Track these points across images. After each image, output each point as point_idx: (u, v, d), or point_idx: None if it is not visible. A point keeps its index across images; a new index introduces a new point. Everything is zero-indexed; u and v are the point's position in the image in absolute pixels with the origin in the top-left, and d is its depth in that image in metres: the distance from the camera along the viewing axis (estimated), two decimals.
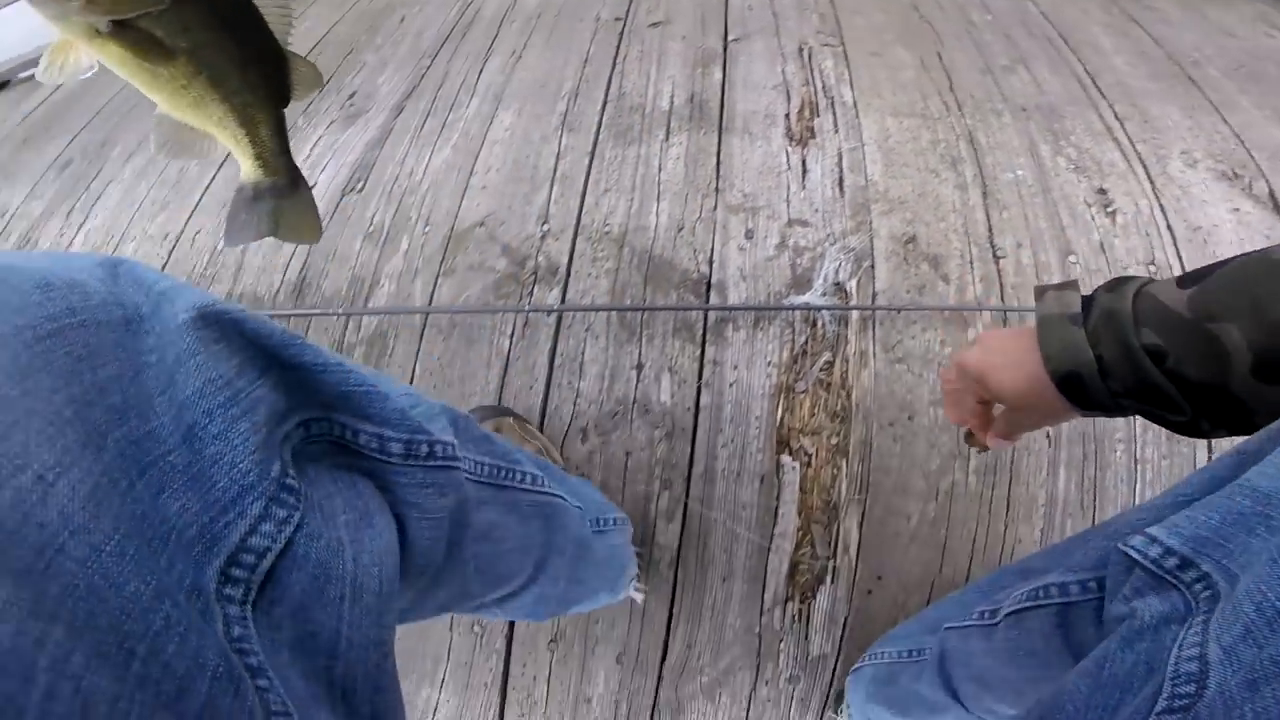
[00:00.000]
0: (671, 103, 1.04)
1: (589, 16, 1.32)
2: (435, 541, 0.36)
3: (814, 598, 0.76)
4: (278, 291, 1.01)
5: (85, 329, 0.22)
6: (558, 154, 1.03)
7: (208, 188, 1.31)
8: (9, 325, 0.20)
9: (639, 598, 0.77)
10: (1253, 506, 0.28)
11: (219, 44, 0.36)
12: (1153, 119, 1.05)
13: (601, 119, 1.06)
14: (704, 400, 0.79)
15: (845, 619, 0.75)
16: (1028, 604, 0.42)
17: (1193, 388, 0.34)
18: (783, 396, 0.78)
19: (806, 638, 0.75)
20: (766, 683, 0.76)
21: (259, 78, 0.39)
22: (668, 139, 0.99)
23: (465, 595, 0.44)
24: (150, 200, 1.40)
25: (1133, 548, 0.31)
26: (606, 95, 1.11)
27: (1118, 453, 0.79)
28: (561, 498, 0.52)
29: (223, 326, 0.27)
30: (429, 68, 1.33)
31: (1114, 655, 0.30)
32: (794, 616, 0.76)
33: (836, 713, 0.73)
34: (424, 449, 0.35)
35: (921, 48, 1.13)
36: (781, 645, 0.76)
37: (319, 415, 0.32)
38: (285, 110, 0.42)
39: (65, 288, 0.22)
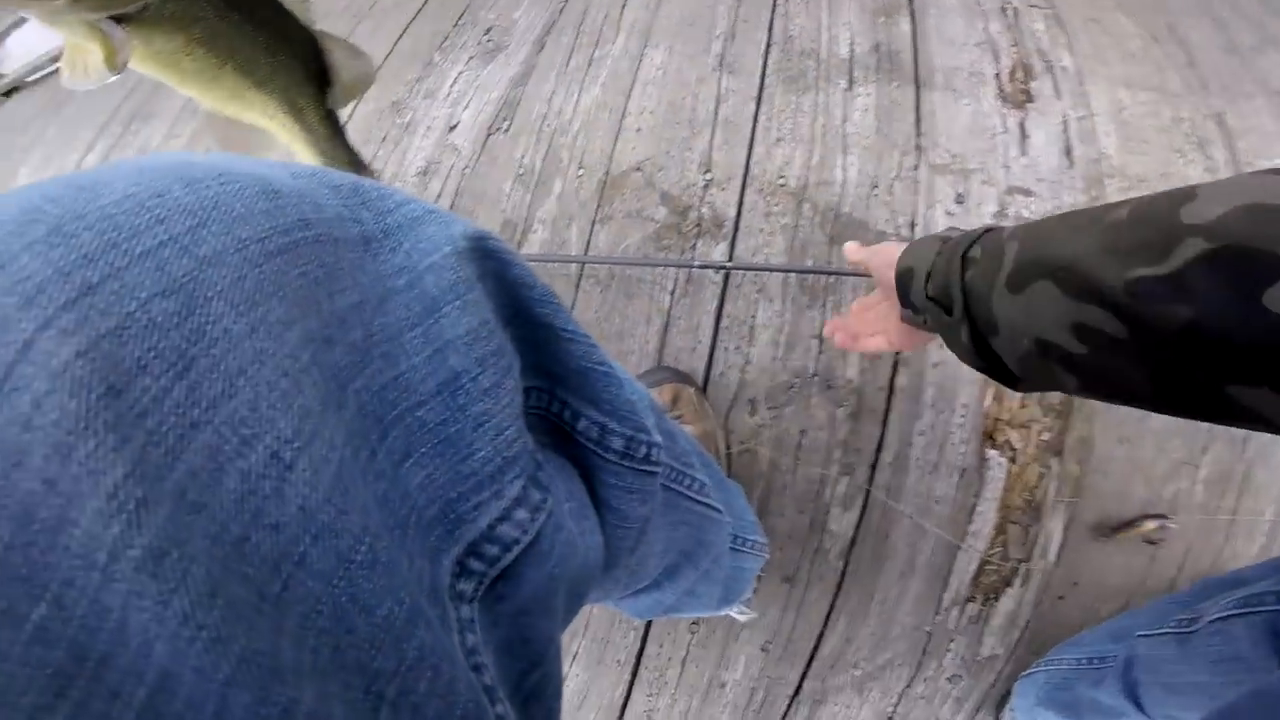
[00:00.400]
0: (852, 50, 0.91)
1: None
2: (621, 552, 0.30)
3: (997, 600, 0.68)
4: None
5: (321, 245, 0.17)
6: (717, 97, 0.91)
7: (345, 124, 1.25)
8: (231, 237, 0.15)
9: (741, 619, 0.70)
10: None
11: (236, 29, 0.33)
12: None
13: (766, 62, 0.94)
14: (900, 380, 0.68)
15: (1027, 623, 0.67)
16: (1235, 611, 0.42)
17: (971, 297, 0.35)
18: (995, 385, 0.67)
19: (980, 639, 0.68)
20: (925, 680, 0.70)
21: (291, 60, 0.36)
22: (851, 88, 0.86)
23: (605, 596, 0.40)
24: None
25: None
26: (769, 38, 0.98)
27: None
28: (719, 510, 0.45)
29: (489, 264, 0.22)
30: (567, 2, 1.22)
31: None
32: (971, 617, 0.68)
33: (999, 716, 0.68)
34: (642, 450, 0.29)
35: (1148, 19, 0.95)
36: (951, 645, 0.69)
37: (542, 386, 0.27)
38: (330, 97, 0.38)
39: (295, 196, 0.17)
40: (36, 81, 3.13)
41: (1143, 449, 0.66)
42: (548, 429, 0.27)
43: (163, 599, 0.12)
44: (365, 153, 1.16)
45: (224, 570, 0.12)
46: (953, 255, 0.37)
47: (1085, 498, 0.66)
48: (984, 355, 0.36)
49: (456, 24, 1.32)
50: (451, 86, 1.17)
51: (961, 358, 0.38)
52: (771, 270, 0.72)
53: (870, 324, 0.51)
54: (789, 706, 0.73)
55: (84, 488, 0.11)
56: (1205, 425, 0.69)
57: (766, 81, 0.91)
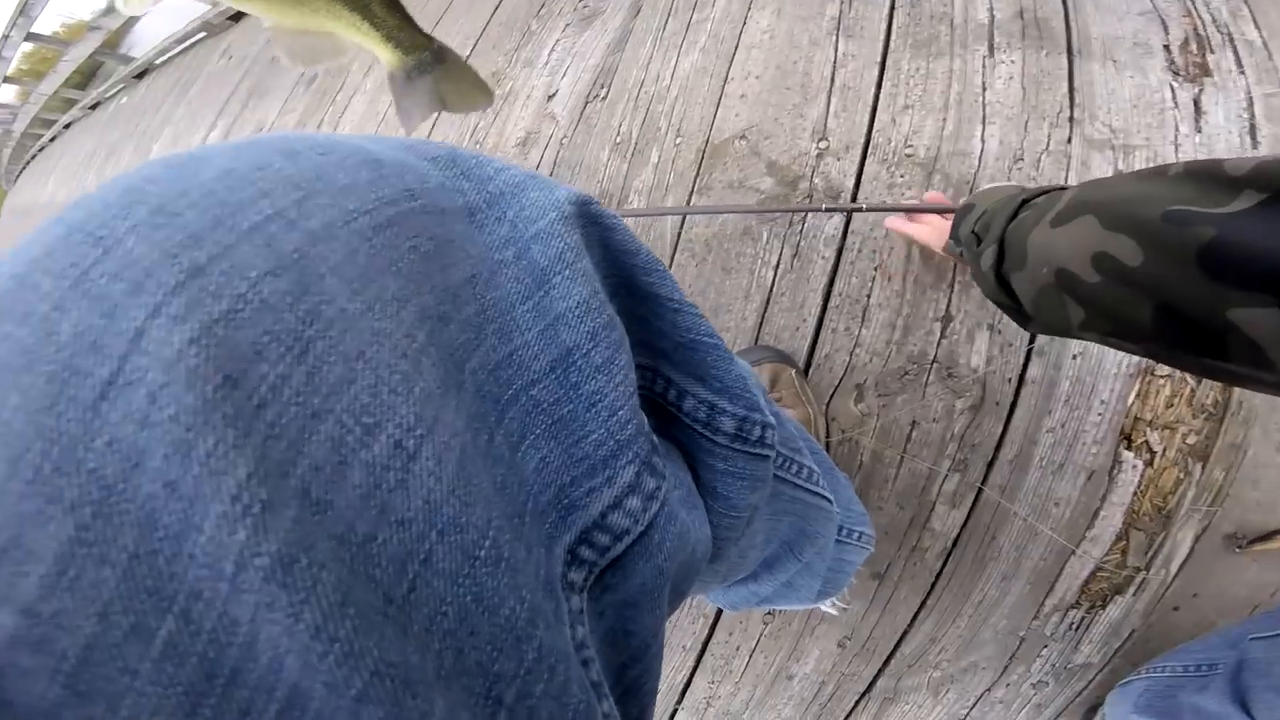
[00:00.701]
0: (992, 15, 0.84)
1: None
2: (727, 543, 0.28)
3: (1103, 608, 0.64)
4: None
5: (428, 216, 0.16)
6: (834, 62, 0.87)
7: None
8: (339, 210, 0.14)
9: (834, 612, 0.69)
10: None
11: None
12: None
13: (890, 26, 0.89)
14: (1032, 372, 0.64)
15: (1131, 633, 0.64)
16: None
17: (1012, 232, 0.38)
18: (1142, 380, 0.61)
19: (1076, 647, 0.65)
20: (1008, 685, 0.68)
21: None
22: (992, 55, 0.80)
23: (704, 589, 0.39)
24: (393, 111, 1.41)
25: None
26: (893, 1, 0.92)
27: None
28: (829, 500, 0.43)
29: (593, 230, 0.21)
30: None
31: None
32: (1072, 625, 0.65)
33: None
34: (756, 431, 0.27)
35: None
36: (1043, 651, 0.66)
37: (646, 363, 0.26)
38: None
39: (397, 166, 0.17)
40: (165, 63, 3.40)
41: None
42: (650, 410, 0.26)
43: (293, 611, 0.11)
44: (468, 123, 1.19)
45: (352, 574, 0.12)
46: (1013, 198, 0.40)
47: (1226, 506, 0.60)
48: (1002, 288, 0.40)
49: None
50: (549, 54, 1.17)
51: (981, 285, 0.42)
52: (901, 210, 0.63)
53: (930, 218, 0.58)
54: (857, 703, 0.73)
55: (205, 490, 0.11)
56: None
57: (892, 45, 0.86)
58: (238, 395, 0.11)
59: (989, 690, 0.69)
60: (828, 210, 0.61)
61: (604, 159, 0.94)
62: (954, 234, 0.49)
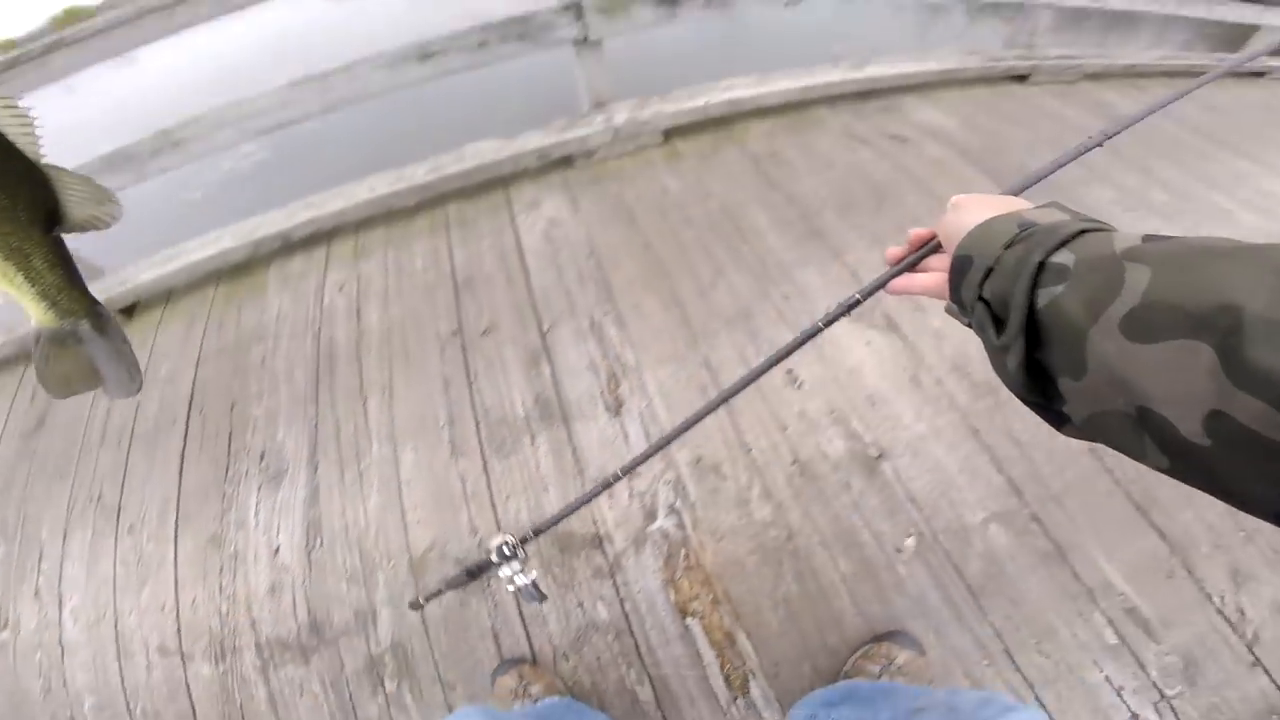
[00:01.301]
0: (524, 408, 1.72)
1: (429, 333, 1.97)
2: None
3: (749, 691, 1.45)
4: (298, 634, 1.50)
5: None
6: (460, 478, 1.65)
7: (176, 559, 1.67)
8: None
9: None
10: None
11: None
12: (802, 287, 1.88)
13: (480, 438, 1.71)
14: (627, 608, 1.46)
15: (774, 695, 1.43)
16: None
17: (1053, 324, 0.34)
18: (671, 586, 1.48)
19: (761, 714, 1.42)
20: None
21: (10, 200, 0.36)
22: (533, 442, 1.66)
23: None
24: (124, 574, 1.67)
25: None
26: (475, 415, 1.76)
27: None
28: None
29: None
30: (317, 417, 1.87)
31: None
32: (745, 705, 1.44)
33: None
34: None
35: (659, 288, 1.90)
36: (764, 714, 1.43)
37: None
38: (62, 235, 0.39)
39: None
40: None
41: (754, 582, 1.52)
42: None
43: None
44: (215, 582, 1.63)
45: None
46: (1026, 257, 0.36)
47: (745, 619, 1.49)
48: (1034, 383, 0.35)
49: (230, 450, 1.85)
50: (256, 515, 1.72)
51: (1004, 381, 0.37)
52: (893, 275, 0.62)
53: (929, 262, 0.56)
54: None
55: None
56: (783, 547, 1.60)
57: (486, 455, 1.67)
58: None
59: None
60: (826, 325, 0.70)
61: (345, 591, 1.54)
62: (954, 296, 0.45)
